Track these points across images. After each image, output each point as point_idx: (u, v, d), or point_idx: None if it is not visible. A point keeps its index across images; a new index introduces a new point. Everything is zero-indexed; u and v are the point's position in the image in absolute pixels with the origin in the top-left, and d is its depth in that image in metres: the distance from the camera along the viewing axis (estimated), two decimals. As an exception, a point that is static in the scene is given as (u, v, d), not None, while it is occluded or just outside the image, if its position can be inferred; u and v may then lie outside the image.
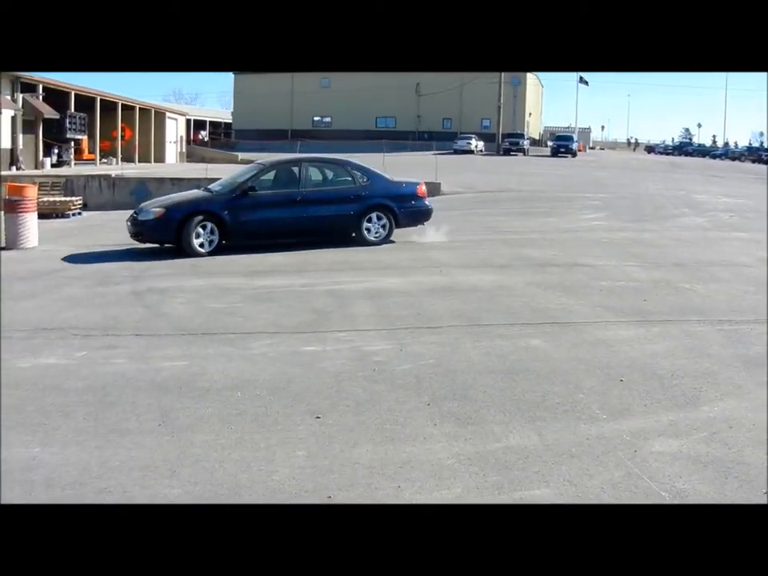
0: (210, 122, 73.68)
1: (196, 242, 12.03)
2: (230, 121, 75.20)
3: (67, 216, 19.78)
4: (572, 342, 6.81)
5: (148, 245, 12.58)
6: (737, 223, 16.53)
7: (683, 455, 4.48)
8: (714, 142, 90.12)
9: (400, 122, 68.13)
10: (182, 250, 12.05)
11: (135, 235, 12.58)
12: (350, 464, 4.40)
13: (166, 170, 33.35)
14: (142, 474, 4.29)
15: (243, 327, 7.51)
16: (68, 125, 35.61)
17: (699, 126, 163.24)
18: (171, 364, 6.32)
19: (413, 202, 13.47)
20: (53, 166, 33.81)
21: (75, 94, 36.79)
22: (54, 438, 4.82)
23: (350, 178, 13.17)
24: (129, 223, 12.74)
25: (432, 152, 45.61)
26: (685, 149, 75.98)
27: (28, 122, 32.50)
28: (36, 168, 31.80)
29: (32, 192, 14.20)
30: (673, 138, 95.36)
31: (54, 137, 34.94)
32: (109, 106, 40.33)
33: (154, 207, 12.55)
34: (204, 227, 12.13)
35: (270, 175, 13.14)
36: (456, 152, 52.22)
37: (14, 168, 30.17)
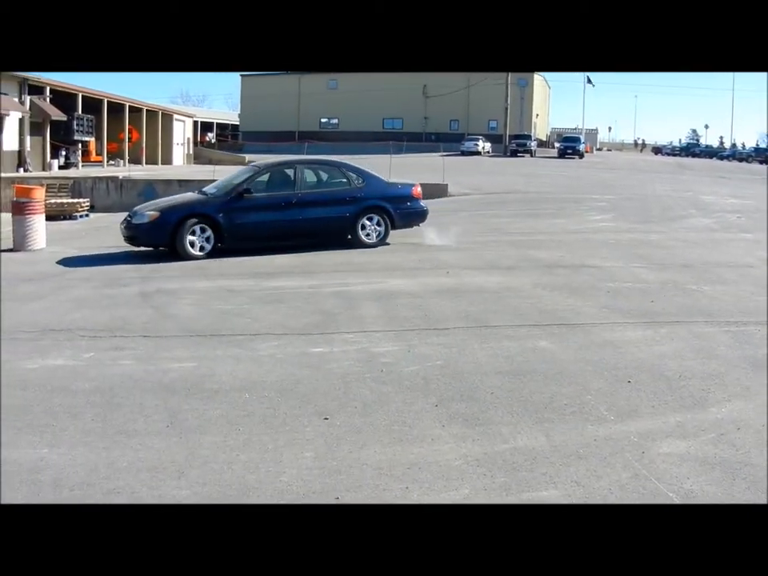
0: (217, 123, 73.78)
1: (190, 246, 11.87)
2: (237, 123, 75.32)
3: (75, 218, 19.87)
4: (579, 344, 6.80)
5: (142, 248, 12.45)
6: (744, 224, 16.45)
7: (691, 456, 4.47)
8: (722, 143, 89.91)
9: (407, 123, 68.08)
10: (177, 253, 11.86)
11: (129, 239, 12.41)
12: (357, 465, 4.41)
13: (174, 172, 33.51)
14: (150, 475, 4.30)
15: (251, 328, 7.52)
16: (75, 127, 35.76)
17: (706, 127, 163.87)
18: (179, 365, 6.33)
19: (408, 204, 13.35)
20: (60, 167, 33.97)
21: (82, 96, 36.96)
22: (62, 439, 4.83)
23: (345, 180, 13.05)
24: (123, 227, 12.53)
25: (439, 153, 45.62)
26: (692, 150, 75.81)
27: (35, 124, 32.64)
28: (43, 170, 31.96)
29: (40, 194, 14.29)
30: (680, 140, 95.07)
31: (62, 139, 35.06)
32: (116, 108, 40.48)
33: (148, 210, 12.34)
34: (199, 230, 11.95)
35: (265, 177, 12.99)
36: (463, 153, 52.16)
37: (21, 170, 30.29)
